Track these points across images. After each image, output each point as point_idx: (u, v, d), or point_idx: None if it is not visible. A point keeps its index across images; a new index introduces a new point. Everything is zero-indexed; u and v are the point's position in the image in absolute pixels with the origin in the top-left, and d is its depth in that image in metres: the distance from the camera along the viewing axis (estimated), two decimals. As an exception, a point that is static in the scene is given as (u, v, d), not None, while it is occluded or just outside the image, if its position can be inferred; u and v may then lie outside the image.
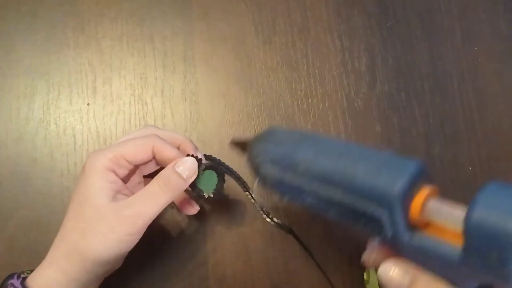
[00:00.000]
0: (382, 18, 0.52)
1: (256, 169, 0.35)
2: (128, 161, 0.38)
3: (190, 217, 0.45)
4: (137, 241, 0.37)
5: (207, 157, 0.42)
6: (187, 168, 0.38)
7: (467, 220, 0.25)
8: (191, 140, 0.41)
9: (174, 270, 0.44)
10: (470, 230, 0.26)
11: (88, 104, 0.48)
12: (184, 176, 0.37)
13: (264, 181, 0.35)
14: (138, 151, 0.38)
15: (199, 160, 0.39)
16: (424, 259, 0.29)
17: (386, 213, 0.28)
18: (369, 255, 0.32)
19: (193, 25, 0.51)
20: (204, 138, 0.48)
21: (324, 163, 0.31)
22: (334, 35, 0.51)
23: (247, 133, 0.48)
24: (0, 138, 0.47)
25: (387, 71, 0.50)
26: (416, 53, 0.51)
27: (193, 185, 0.39)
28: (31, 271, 0.37)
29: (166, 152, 0.38)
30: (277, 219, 0.42)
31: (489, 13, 0.52)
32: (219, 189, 0.39)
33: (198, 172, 0.39)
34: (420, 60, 0.50)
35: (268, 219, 0.42)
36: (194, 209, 0.42)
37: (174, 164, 0.37)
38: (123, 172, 0.38)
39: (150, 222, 0.36)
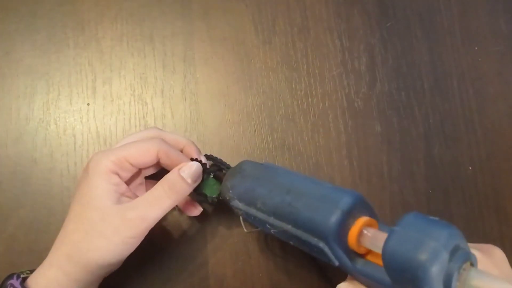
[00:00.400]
0: (382, 18, 0.52)
1: (228, 203, 0.38)
2: (131, 164, 0.38)
3: (191, 217, 0.45)
4: (138, 243, 0.37)
5: (207, 156, 0.42)
6: (192, 173, 0.38)
7: (383, 250, 0.28)
8: (194, 143, 0.41)
9: (174, 270, 0.44)
10: (385, 260, 0.28)
11: (88, 104, 0.48)
12: (189, 181, 0.38)
13: (236, 213, 0.38)
14: (142, 155, 0.38)
15: (203, 165, 0.39)
16: (369, 282, 0.32)
17: (326, 245, 0.31)
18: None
19: (193, 25, 0.51)
20: (204, 138, 0.48)
21: (275, 199, 0.34)
22: (334, 35, 0.51)
23: (247, 133, 0.48)
24: (0, 138, 0.47)
25: (387, 71, 0.50)
26: (416, 53, 0.51)
27: (197, 189, 0.39)
28: (31, 271, 0.37)
29: (171, 156, 0.38)
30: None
31: (489, 13, 0.52)
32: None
33: (203, 176, 0.39)
34: (420, 60, 0.50)
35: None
36: (197, 210, 0.43)
37: (179, 169, 0.38)
38: (126, 174, 0.38)
39: (153, 225, 0.37)
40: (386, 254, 0.27)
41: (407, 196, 0.47)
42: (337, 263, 0.32)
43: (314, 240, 0.32)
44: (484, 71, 0.50)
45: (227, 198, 0.38)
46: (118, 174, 0.37)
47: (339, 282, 0.43)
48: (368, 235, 0.31)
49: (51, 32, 0.50)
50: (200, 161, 0.39)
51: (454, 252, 0.26)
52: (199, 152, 0.41)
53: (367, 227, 0.31)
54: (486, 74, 0.50)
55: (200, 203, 0.43)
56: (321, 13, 0.51)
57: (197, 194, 0.40)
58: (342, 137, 0.48)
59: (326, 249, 0.31)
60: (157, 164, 0.40)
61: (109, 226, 0.35)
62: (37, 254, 0.37)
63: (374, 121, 0.49)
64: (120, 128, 0.48)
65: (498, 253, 0.34)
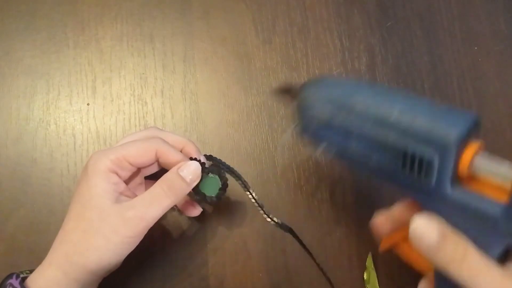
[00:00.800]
0: (382, 17, 0.52)
1: (305, 111, 0.34)
2: (130, 164, 0.38)
3: (190, 217, 0.45)
4: (137, 243, 0.37)
5: (207, 157, 0.42)
6: (190, 172, 0.38)
7: None
8: (193, 143, 0.41)
9: (174, 269, 0.44)
10: None
11: (88, 104, 0.48)
12: (188, 180, 0.38)
13: (308, 124, 0.34)
14: (141, 154, 0.38)
15: (202, 164, 0.39)
16: (459, 216, 0.29)
17: (438, 158, 0.28)
18: (400, 209, 0.32)
19: (193, 25, 0.51)
20: (204, 138, 0.48)
21: (383, 105, 0.31)
22: (334, 35, 0.51)
23: (247, 133, 0.48)
24: (0, 138, 0.47)
25: (387, 70, 0.50)
26: (416, 53, 0.51)
27: (196, 188, 0.39)
28: (31, 271, 0.37)
29: (170, 155, 0.38)
30: (277, 218, 0.42)
31: (489, 13, 0.52)
32: (221, 193, 0.40)
33: (202, 175, 0.39)
34: (420, 59, 0.50)
35: (268, 219, 0.43)
36: (196, 210, 0.43)
37: (178, 168, 0.38)
38: (126, 174, 0.38)
39: (152, 224, 0.36)
40: None
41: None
42: (432, 185, 0.29)
43: (423, 150, 0.28)
44: (484, 71, 0.50)
45: (307, 104, 0.34)
46: (117, 173, 0.37)
47: (339, 282, 0.43)
48: (484, 159, 0.28)
49: (51, 32, 0.50)
50: (199, 160, 0.39)
51: None
52: (199, 151, 0.41)
53: (480, 152, 0.29)
54: (486, 74, 0.50)
55: (200, 203, 0.43)
56: (321, 13, 0.51)
57: (196, 194, 0.40)
58: (342, 137, 0.48)
59: (436, 163, 0.28)
60: (157, 164, 0.40)
61: (107, 226, 0.35)
62: (37, 254, 0.37)
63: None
64: (120, 128, 0.48)
65: None
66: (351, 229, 0.45)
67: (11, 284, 0.35)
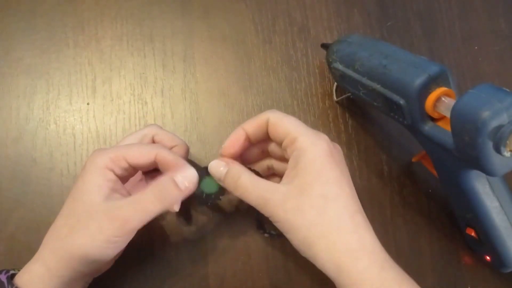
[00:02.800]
0: (382, 17, 0.52)
1: (329, 66, 0.44)
2: (129, 163, 0.38)
3: (190, 217, 0.45)
4: (125, 244, 0.36)
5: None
6: (186, 179, 0.37)
7: (455, 104, 0.32)
8: (187, 146, 0.41)
9: (174, 269, 0.44)
10: (452, 117, 0.32)
11: (88, 104, 0.48)
12: (182, 187, 0.36)
13: (334, 75, 0.44)
14: (141, 155, 0.38)
15: (202, 168, 0.39)
16: (432, 145, 0.37)
17: (406, 103, 0.37)
18: (225, 146, 0.40)
19: (193, 24, 0.51)
20: (204, 138, 0.48)
21: (372, 62, 0.39)
22: (334, 35, 0.51)
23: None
24: (0, 138, 0.47)
25: (387, 70, 0.50)
26: (416, 52, 0.50)
27: (198, 193, 0.39)
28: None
29: (169, 161, 0.38)
30: (274, 231, 0.42)
31: (489, 13, 0.52)
32: (220, 192, 0.40)
33: (201, 177, 0.39)
34: (420, 59, 0.50)
35: (266, 234, 0.44)
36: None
37: (174, 173, 0.36)
38: (122, 173, 0.38)
39: (139, 227, 0.36)
40: (456, 107, 0.32)
41: (407, 196, 0.47)
42: (409, 122, 0.38)
43: (397, 98, 0.37)
44: (484, 70, 0.50)
45: (330, 60, 0.43)
46: (113, 171, 0.37)
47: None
48: (444, 101, 0.36)
49: (51, 32, 0.50)
50: (199, 167, 0.39)
51: None
52: (187, 153, 0.41)
53: (445, 96, 0.36)
54: (486, 74, 0.50)
55: (200, 204, 0.43)
56: (321, 12, 0.51)
57: (195, 195, 0.39)
58: (342, 137, 0.48)
59: (405, 106, 0.37)
60: (156, 168, 0.40)
61: (94, 223, 0.35)
62: (36, 254, 0.37)
63: (374, 120, 0.49)
64: (120, 127, 0.48)
65: None
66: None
67: None
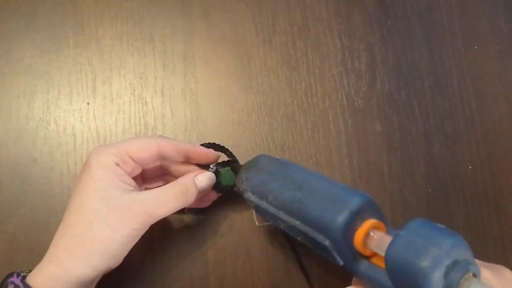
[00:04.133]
0: (382, 17, 0.52)
1: (241, 195, 0.39)
2: (132, 158, 0.38)
3: (191, 216, 0.45)
4: (139, 237, 0.37)
5: (210, 145, 0.42)
6: (205, 181, 0.40)
7: (386, 253, 0.28)
8: (198, 146, 0.41)
9: (174, 269, 0.44)
10: (388, 263, 0.28)
11: (88, 104, 0.48)
12: (201, 190, 0.39)
13: (249, 205, 0.39)
14: (142, 148, 0.38)
15: (216, 166, 0.41)
16: (373, 285, 0.32)
17: (332, 244, 0.31)
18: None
19: (193, 24, 0.51)
20: (204, 137, 0.48)
21: (286, 195, 0.35)
22: (334, 34, 0.51)
23: (247, 132, 0.48)
24: (0, 137, 0.47)
25: (387, 70, 0.50)
26: (416, 52, 0.51)
27: (216, 184, 0.41)
28: (30, 271, 0.36)
29: (171, 148, 0.39)
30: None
31: (489, 12, 0.52)
32: (235, 185, 0.41)
33: (218, 170, 0.41)
34: (420, 59, 0.50)
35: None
36: (205, 202, 0.43)
37: (195, 176, 0.39)
38: (127, 169, 0.38)
39: (156, 221, 0.37)
40: (388, 257, 0.28)
41: (407, 195, 0.47)
42: (341, 263, 0.32)
43: (320, 238, 0.32)
44: (484, 70, 0.50)
45: (241, 189, 0.39)
46: (120, 166, 0.37)
47: (339, 283, 0.43)
48: (374, 238, 0.31)
49: (51, 31, 0.50)
50: (212, 165, 0.41)
51: (457, 261, 0.27)
52: (205, 151, 0.41)
53: (374, 230, 0.31)
54: (486, 73, 0.50)
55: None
56: (321, 12, 0.51)
57: (213, 187, 0.41)
58: (342, 137, 0.48)
59: (331, 248, 0.32)
60: (159, 166, 0.41)
61: (115, 216, 0.35)
62: (37, 253, 0.37)
63: (374, 120, 0.49)
64: (120, 127, 0.48)
65: (509, 275, 0.33)
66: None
67: (12, 282, 0.35)
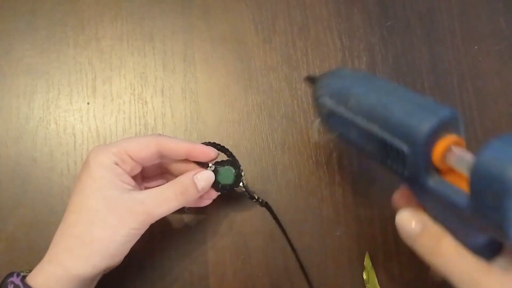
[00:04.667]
0: (382, 17, 0.52)
1: (316, 100, 0.38)
2: (131, 157, 0.38)
3: (191, 216, 0.45)
4: (139, 236, 0.37)
5: (210, 144, 0.42)
6: (204, 180, 0.39)
7: (473, 165, 0.27)
8: (199, 144, 0.41)
9: (174, 268, 0.44)
10: (474, 174, 0.27)
11: (88, 103, 0.48)
12: (200, 189, 0.39)
13: (320, 112, 0.38)
14: (142, 147, 0.38)
15: (215, 165, 0.41)
16: (439, 206, 0.31)
17: (408, 150, 0.30)
18: (397, 197, 0.35)
19: (193, 24, 0.51)
20: (204, 137, 0.48)
21: (371, 99, 0.34)
22: (334, 34, 0.51)
23: (247, 132, 0.48)
24: (0, 137, 0.47)
25: (387, 70, 0.50)
26: (416, 52, 0.51)
27: (215, 183, 0.41)
28: (30, 271, 0.36)
29: (171, 145, 0.39)
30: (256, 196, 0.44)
31: (489, 12, 0.52)
32: (238, 178, 0.42)
33: (217, 168, 0.41)
34: (420, 59, 0.50)
35: (245, 192, 0.43)
36: (205, 201, 0.43)
37: (195, 174, 0.39)
38: (127, 168, 0.38)
39: (156, 220, 0.37)
40: (479, 163, 0.27)
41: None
42: (409, 173, 0.31)
43: (398, 143, 0.31)
44: (484, 70, 0.50)
45: (318, 95, 0.38)
46: (119, 166, 0.37)
47: (340, 282, 0.43)
48: (455, 152, 0.30)
49: (51, 31, 0.50)
50: (210, 164, 0.41)
51: None
52: (205, 149, 0.41)
53: (456, 145, 0.30)
54: (486, 73, 0.50)
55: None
56: (321, 12, 0.51)
57: (212, 185, 0.41)
58: (342, 136, 0.48)
59: (408, 155, 0.31)
60: (159, 165, 0.41)
61: (115, 216, 0.35)
62: (37, 253, 0.37)
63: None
64: (120, 127, 0.48)
65: None
66: (351, 228, 0.45)
67: (12, 282, 0.35)
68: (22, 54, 0.49)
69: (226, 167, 0.42)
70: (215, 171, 0.41)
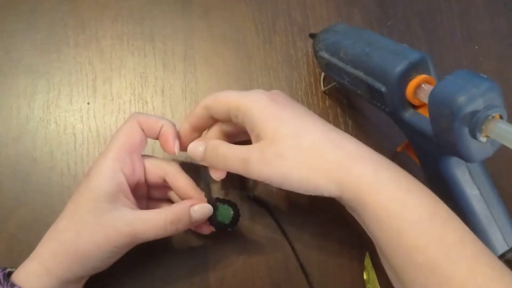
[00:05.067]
0: (382, 17, 0.52)
1: (316, 54, 0.44)
2: (127, 151, 0.38)
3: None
4: (122, 254, 0.38)
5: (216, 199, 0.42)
6: (200, 213, 0.38)
7: (432, 89, 0.33)
8: (174, 124, 0.41)
9: (174, 268, 0.44)
10: (430, 103, 0.33)
11: (88, 103, 0.48)
12: (193, 220, 0.38)
13: (320, 64, 0.44)
14: (129, 134, 0.39)
15: (216, 201, 0.40)
16: (415, 133, 0.37)
17: (387, 90, 0.37)
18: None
19: (193, 24, 0.51)
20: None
21: (356, 50, 0.39)
22: (334, 34, 0.51)
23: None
24: (0, 137, 0.47)
25: (388, 70, 0.50)
26: (417, 52, 0.51)
27: (211, 218, 0.40)
28: None
29: (150, 121, 0.40)
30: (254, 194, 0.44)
31: (489, 12, 0.52)
32: (235, 220, 0.41)
33: (216, 205, 0.40)
34: (421, 59, 0.50)
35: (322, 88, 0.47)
36: (207, 229, 0.42)
37: (191, 206, 0.38)
38: (129, 165, 0.39)
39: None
40: (432, 95, 0.32)
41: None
42: (391, 109, 0.38)
43: (379, 85, 0.37)
44: (484, 70, 0.50)
45: (316, 49, 0.44)
46: (122, 169, 0.38)
47: (339, 282, 0.43)
48: (424, 89, 0.36)
49: (51, 31, 0.50)
50: (212, 199, 0.40)
51: (488, 103, 0.31)
52: (175, 128, 0.41)
53: (425, 83, 0.36)
54: (486, 73, 0.50)
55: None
56: (321, 12, 0.51)
57: (211, 223, 0.41)
58: (343, 136, 0.48)
59: (386, 94, 0.37)
60: (165, 186, 0.42)
61: (102, 233, 0.35)
62: (37, 253, 0.37)
63: (374, 121, 0.49)
64: (121, 127, 0.48)
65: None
66: (351, 228, 0.45)
67: None
68: (22, 54, 0.49)
69: (225, 206, 0.41)
70: (214, 206, 0.40)
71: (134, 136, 0.39)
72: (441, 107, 0.32)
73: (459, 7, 0.52)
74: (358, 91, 0.41)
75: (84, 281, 0.38)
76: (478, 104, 0.31)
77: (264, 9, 0.51)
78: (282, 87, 0.49)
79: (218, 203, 0.40)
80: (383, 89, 0.37)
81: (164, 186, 0.42)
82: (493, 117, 0.30)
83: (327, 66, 0.43)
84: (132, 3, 0.51)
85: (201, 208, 0.38)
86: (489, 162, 0.48)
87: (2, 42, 0.49)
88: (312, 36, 0.46)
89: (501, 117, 0.31)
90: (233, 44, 0.50)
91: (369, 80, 0.38)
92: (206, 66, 0.50)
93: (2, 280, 0.35)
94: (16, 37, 0.50)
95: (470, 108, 0.30)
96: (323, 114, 0.49)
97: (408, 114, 0.37)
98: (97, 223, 0.35)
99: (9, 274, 0.36)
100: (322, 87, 0.48)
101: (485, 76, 0.32)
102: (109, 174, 0.37)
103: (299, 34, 0.51)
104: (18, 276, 0.35)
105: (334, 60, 0.41)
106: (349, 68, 0.40)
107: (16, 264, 0.37)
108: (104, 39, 0.50)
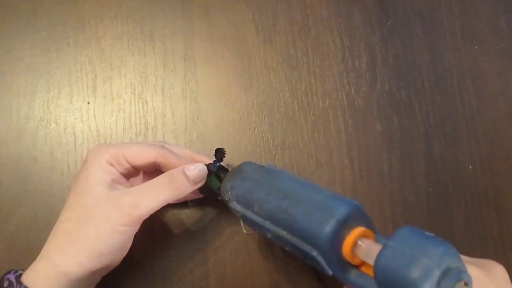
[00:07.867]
0: (382, 16, 0.52)
1: (227, 204, 0.37)
2: (128, 161, 0.38)
3: (191, 215, 0.45)
4: (131, 236, 0.37)
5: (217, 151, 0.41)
6: (197, 173, 0.37)
7: (375, 263, 0.27)
8: (204, 155, 0.41)
9: (174, 268, 0.44)
10: (377, 274, 0.27)
11: (88, 103, 0.48)
12: (191, 180, 0.37)
13: (234, 214, 0.37)
14: (140, 154, 0.38)
15: (210, 165, 0.39)
16: None
17: (319, 254, 0.31)
18: None
19: (193, 23, 0.51)
20: (204, 137, 0.48)
21: (272, 204, 0.33)
22: (334, 34, 0.51)
23: (247, 132, 0.48)
24: (1, 137, 0.47)
25: (388, 69, 0.50)
26: (417, 52, 0.51)
27: (203, 187, 0.39)
28: None
29: (170, 160, 0.38)
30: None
31: (489, 12, 0.52)
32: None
33: (210, 173, 0.39)
34: (421, 58, 0.50)
35: (244, 231, 0.41)
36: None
37: (184, 167, 0.37)
38: (122, 170, 0.38)
39: (146, 216, 0.36)
40: (378, 268, 0.27)
41: (407, 195, 0.47)
42: (330, 273, 0.31)
43: (308, 248, 0.31)
44: (484, 70, 0.50)
45: (226, 199, 0.37)
46: (114, 167, 0.38)
47: (338, 283, 0.43)
48: (362, 246, 0.30)
49: (51, 31, 0.50)
50: (209, 164, 0.39)
51: (447, 271, 0.26)
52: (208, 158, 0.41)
53: (362, 238, 0.31)
54: (486, 73, 0.50)
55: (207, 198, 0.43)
56: (321, 11, 0.51)
57: (201, 192, 0.40)
58: (343, 136, 0.48)
59: (319, 258, 0.31)
60: (157, 169, 0.41)
61: (100, 212, 0.35)
62: (37, 253, 0.37)
63: (374, 120, 0.49)
64: (120, 126, 0.48)
65: (499, 270, 0.33)
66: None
67: (8, 279, 0.35)
68: (23, 54, 0.49)
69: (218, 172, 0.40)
70: (210, 171, 0.39)
71: (142, 158, 0.38)
72: (392, 285, 0.27)
73: (459, 7, 0.52)
74: (287, 249, 0.34)
75: (97, 278, 0.38)
76: (435, 276, 0.26)
77: (264, 8, 0.51)
78: (282, 87, 0.49)
79: (212, 170, 0.39)
80: (313, 253, 0.31)
81: (158, 170, 0.41)
82: None
83: (244, 219, 0.36)
84: (132, 3, 0.51)
85: (195, 167, 0.37)
86: (489, 162, 0.48)
87: (2, 42, 0.50)
88: (219, 153, 0.40)
89: (466, 284, 0.27)
90: (233, 43, 0.50)
91: (295, 241, 0.32)
92: (206, 65, 0.50)
93: (15, 283, 0.35)
94: (16, 37, 0.50)
95: (427, 285, 0.25)
96: (323, 114, 0.49)
97: (352, 277, 0.31)
98: (96, 205, 0.35)
99: (20, 276, 0.36)
100: (244, 230, 0.40)
101: (432, 235, 0.28)
102: (105, 164, 0.37)
103: (299, 34, 0.51)
104: (28, 277, 0.35)
105: (250, 215, 0.35)
106: (268, 225, 0.33)
107: (17, 263, 0.37)
108: (104, 38, 0.50)
